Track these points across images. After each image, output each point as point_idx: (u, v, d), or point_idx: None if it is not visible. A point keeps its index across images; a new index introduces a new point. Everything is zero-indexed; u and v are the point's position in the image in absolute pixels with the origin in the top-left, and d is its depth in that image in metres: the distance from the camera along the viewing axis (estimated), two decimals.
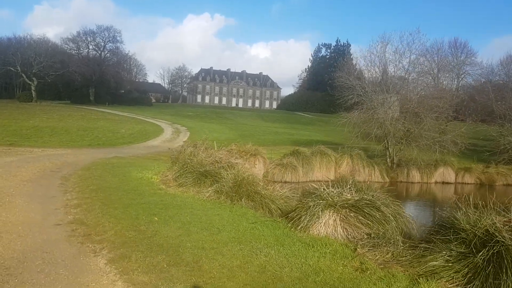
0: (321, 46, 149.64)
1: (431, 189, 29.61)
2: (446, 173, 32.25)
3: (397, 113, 31.32)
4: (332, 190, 8.75)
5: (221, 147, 23.16)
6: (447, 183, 31.76)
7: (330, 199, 8.31)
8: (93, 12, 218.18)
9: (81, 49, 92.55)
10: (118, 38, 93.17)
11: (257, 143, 41.36)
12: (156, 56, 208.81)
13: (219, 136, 45.71)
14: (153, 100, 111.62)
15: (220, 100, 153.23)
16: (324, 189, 8.79)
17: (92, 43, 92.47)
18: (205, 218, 9.00)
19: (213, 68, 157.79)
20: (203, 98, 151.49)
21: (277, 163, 27.04)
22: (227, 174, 12.16)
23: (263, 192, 11.18)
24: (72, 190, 11.66)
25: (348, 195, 8.45)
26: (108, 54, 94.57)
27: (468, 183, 32.26)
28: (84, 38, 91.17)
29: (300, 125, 78.17)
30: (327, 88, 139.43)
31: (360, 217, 7.87)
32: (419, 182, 31.06)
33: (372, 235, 7.49)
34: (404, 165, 31.62)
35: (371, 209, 7.90)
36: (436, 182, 31.50)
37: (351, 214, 7.97)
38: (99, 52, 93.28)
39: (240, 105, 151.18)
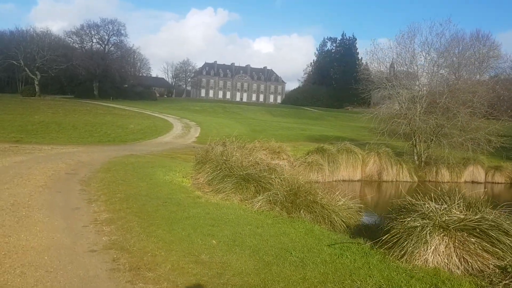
0: (326, 40, 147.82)
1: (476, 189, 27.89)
2: (476, 172, 30.47)
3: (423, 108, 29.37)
4: (436, 205, 6.90)
5: (243, 143, 21.33)
6: (477, 182, 29.99)
7: (438, 219, 6.50)
8: (97, 6, 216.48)
9: (85, 42, 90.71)
10: (122, 31, 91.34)
11: (269, 138, 39.59)
12: (159, 51, 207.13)
13: (231, 132, 43.80)
14: (157, 95, 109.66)
15: (224, 95, 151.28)
16: (426, 205, 6.93)
17: (96, 37, 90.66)
18: (272, 240, 7.20)
19: (217, 63, 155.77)
20: (207, 93, 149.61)
21: (302, 161, 25.22)
22: (280, 180, 10.30)
23: (323, 202, 9.36)
24: (97, 199, 9.85)
25: (458, 213, 6.62)
26: (112, 48, 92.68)
27: (498, 183, 30.53)
28: (88, 32, 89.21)
29: (310, 120, 76.36)
30: (332, 83, 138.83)
31: (485, 244, 6.06)
32: (448, 182, 29.27)
33: (509, 269, 5.68)
34: (433, 163, 29.80)
35: (498, 233, 6.09)
36: (465, 182, 29.72)
37: (471, 239, 6.16)
38: (103, 45, 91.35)
39: (245, 99, 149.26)
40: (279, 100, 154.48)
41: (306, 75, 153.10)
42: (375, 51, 30.49)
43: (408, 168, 28.73)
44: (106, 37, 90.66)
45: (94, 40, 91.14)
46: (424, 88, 29.02)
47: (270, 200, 9.63)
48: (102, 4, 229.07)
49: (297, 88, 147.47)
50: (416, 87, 30.39)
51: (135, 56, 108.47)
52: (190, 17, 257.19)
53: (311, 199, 9.37)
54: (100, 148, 24.35)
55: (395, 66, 31.38)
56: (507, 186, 30.63)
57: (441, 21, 29.79)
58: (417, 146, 30.35)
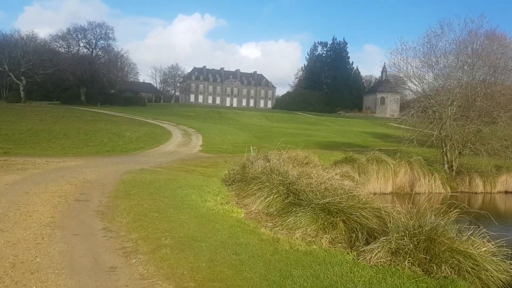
0: (317, 45, 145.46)
1: None
2: (510, 181, 27.98)
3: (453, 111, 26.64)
4: None
5: (258, 151, 18.30)
6: (511, 192, 27.46)
7: None
8: (84, 13, 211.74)
9: (72, 46, 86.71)
10: (110, 35, 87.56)
11: (274, 146, 36.56)
12: (146, 57, 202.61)
13: (234, 139, 40.94)
14: (145, 100, 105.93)
15: (214, 100, 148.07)
16: None
17: (83, 41, 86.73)
18: None
19: (206, 67, 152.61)
20: (196, 98, 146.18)
21: (316, 169, 22.24)
22: (399, 219, 7.22)
23: (469, 251, 6.39)
24: (136, 249, 6.74)
25: None
26: (99, 52, 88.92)
27: None
28: (74, 35, 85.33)
29: (308, 125, 73.61)
30: (324, 87, 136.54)
31: None
32: (482, 192, 26.67)
33: None
34: (465, 172, 27.14)
35: None
36: (498, 192, 27.16)
37: None
38: (91, 49, 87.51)
39: (235, 104, 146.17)
40: (269, 105, 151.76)
41: (297, 79, 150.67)
42: (401, 50, 27.72)
43: (441, 178, 26.06)
44: (94, 41, 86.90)
45: (81, 44, 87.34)
46: (456, 90, 26.25)
47: (391, 249, 6.58)
48: (89, 11, 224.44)
49: (288, 92, 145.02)
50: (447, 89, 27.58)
51: (123, 61, 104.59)
52: (177, 23, 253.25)
53: (449, 246, 6.39)
54: (102, 161, 21.09)
55: (421, 67, 28.59)
56: None
57: (474, 18, 27.25)
58: (448, 153, 27.65)
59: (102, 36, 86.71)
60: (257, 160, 13.69)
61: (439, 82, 27.65)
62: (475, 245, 6.68)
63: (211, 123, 59.70)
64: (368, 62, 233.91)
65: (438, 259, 6.20)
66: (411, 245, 6.44)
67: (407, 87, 29.30)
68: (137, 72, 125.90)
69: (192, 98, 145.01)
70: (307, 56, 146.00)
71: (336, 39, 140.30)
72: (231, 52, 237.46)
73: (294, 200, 9.25)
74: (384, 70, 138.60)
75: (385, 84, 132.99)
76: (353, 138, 50.82)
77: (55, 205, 9.58)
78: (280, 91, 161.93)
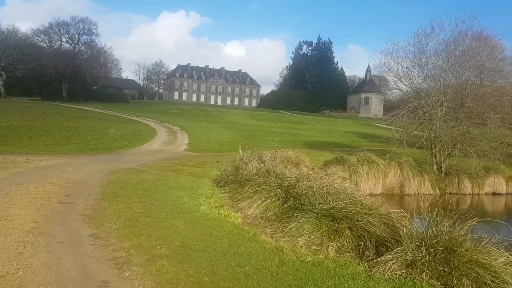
0: (302, 44, 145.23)
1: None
2: (497, 183, 27.97)
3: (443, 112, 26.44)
4: None
5: (251, 151, 17.83)
6: (498, 194, 27.44)
7: None
8: (67, 8, 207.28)
9: (54, 41, 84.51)
10: (93, 30, 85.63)
11: (265, 144, 36.04)
12: (130, 54, 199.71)
13: (220, 138, 40.33)
14: (129, 97, 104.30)
15: (198, 98, 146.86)
16: None
17: (65, 35, 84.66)
18: None
19: (191, 65, 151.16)
20: (180, 95, 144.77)
21: (315, 171, 21.83)
22: (411, 227, 6.73)
23: (488, 263, 5.95)
24: (128, 259, 6.13)
25: None
26: (82, 47, 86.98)
27: None
28: (57, 30, 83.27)
29: (293, 124, 73.30)
30: (308, 86, 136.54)
31: None
32: (470, 194, 26.59)
33: None
34: (454, 173, 27.02)
35: None
36: (486, 193, 27.12)
37: None
38: (73, 45, 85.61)
39: (219, 102, 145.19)
40: (254, 103, 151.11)
41: (282, 78, 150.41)
42: (392, 50, 27.42)
43: (430, 179, 25.90)
44: (76, 36, 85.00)
45: (64, 39, 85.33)
46: (448, 91, 26.05)
47: (406, 261, 6.09)
48: (72, 6, 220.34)
49: (273, 91, 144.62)
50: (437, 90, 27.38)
51: (106, 57, 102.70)
52: (162, 20, 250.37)
53: (469, 258, 5.95)
54: (86, 159, 20.31)
55: (411, 67, 28.32)
56: None
57: (464, 18, 27.10)
58: (437, 154, 27.50)
59: (85, 31, 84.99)
60: (251, 161, 13.13)
61: (429, 83, 27.43)
62: (493, 255, 6.25)
63: (196, 121, 58.95)
64: (351, 62, 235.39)
65: (458, 271, 5.75)
66: (428, 257, 5.98)
67: (397, 87, 29.07)
68: (121, 69, 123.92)
69: (176, 95, 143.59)
70: (292, 55, 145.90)
71: (321, 39, 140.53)
72: (215, 50, 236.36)
73: (294, 204, 8.74)
74: (368, 70, 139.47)
75: (369, 84, 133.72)
76: (338, 138, 50.60)
77: (37, 208, 8.91)
78: (264, 90, 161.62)
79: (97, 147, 27.54)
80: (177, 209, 9.45)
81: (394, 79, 28.23)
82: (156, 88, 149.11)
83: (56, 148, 25.02)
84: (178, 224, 8.15)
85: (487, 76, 27.33)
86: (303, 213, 8.18)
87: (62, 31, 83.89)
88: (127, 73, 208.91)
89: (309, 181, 9.74)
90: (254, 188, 10.39)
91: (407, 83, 27.51)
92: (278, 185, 9.85)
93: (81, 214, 8.78)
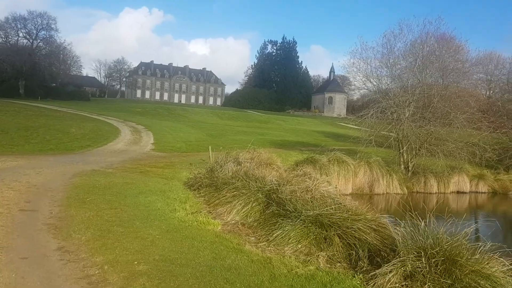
0: (267, 43, 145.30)
1: (479, 201, 25.74)
2: (462, 182, 28.50)
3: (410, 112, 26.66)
4: None
5: (221, 151, 17.32)
6: (462, 192, 27.94)
7: None
8: (24, 2, 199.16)
9: (10, 36, 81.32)
10: (52, 25, 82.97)
11: (232, 144, 35.45)
12: (90, 50, 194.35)
13: (187, 137, 39.43)
14: (89, 95, 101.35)
15: (161, 96, 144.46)
16: None
17: (22, 31, 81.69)
18: None
19: (154, 62, 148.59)
20: (143, 93, 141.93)
21: (294, 174, 21.50)
22: (407, 234, 6.33)
23: (491, 273, 5.64)
24: (101, 278, 5.48)
25: None
26: (40, 43, 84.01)
27: (482, 192, 28.77)
28: (13, 25, 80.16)
29: (259, 123, 72.94)
30: (273, 86, 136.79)
31: None
32: (436, 193, 26.94)
33: None
34: (421, 173, 27.30)
35: None
36: (451, 192, 27.56)
37: None
38: (31, 40, 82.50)
39: (183, 101, 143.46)
40: (219, 102, 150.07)
41: (246, 77, 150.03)
42: (360, 50, 27.42)
43: (398, 178, 26.07)
44: (34, 32, 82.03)
45: (21, 34, 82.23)
46: (416, 91, 26.26)
47: (405, 272, 5.69)
48: (30, 1, 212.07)
49: (238, 90, 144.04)
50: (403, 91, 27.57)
51: (65, 53, 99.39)
52: (124, 16, 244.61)
53: (471, 268, 5.62)
54: (47, 161, 19.19)
55: (380, 67, 28.42)
56: (489, 196, 28.90)
57: (431, 19, 27.39)
58: (404, 154, 27.73)
59: (44, 26, 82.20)
60: (226, 162, 12.56)
61: (396, 83, 27.58)
62: (494, 264, 5.95)
63: (160, 119, 57.71)
64: (314, 62, 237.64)
65: (461, 283, 5.41)
66: (429, 268, 5.62)
67: (366, 88, 29.09)
68: (81, 65, 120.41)
69: (138, 93, 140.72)
70: (257, 54, 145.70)
71: (286, 38, 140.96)
72: (179, 48, 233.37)
73: (278, 210, 8.25)
74: (332, 70, 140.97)
75: (333, 84, 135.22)
76: (305, 137, 50.60)
77: None
78: (229, 89, 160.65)
79: (58, 147, 26.26)
80: (151, 216, 8.80)
81: (363, 79, 28.24)
82: (118, 86, 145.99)
83: (14, 149, 23.66)
84: (155, 234, 7.52)
85: (451, 77, 27.66)
86: (288, 220, 7.70)
87: (19, 26, 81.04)
88: (88, 70, 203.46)
89: (291, 185, 9.29)
90: (233, 192, 9.85)
91: (375, 83, 27.56)
92: (258, 189, 9.35)
93: (45, 223, 8.01)
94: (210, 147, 24.92)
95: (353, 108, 27.75)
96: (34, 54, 79.78)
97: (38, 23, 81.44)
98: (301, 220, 7.47)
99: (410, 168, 27.70)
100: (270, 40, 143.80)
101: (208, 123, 60.11)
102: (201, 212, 9.53)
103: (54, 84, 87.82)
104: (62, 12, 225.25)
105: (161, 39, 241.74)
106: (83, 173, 15.13)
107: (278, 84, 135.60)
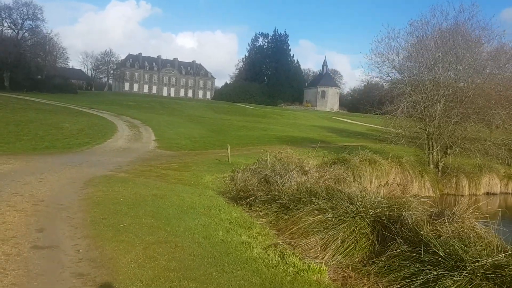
0: (258, 36, 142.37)
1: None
2: (492, 183, 26.44)
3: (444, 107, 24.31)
4: None
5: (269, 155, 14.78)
6: (493, 194, 25.83)
7: None
8: None
9: None
10: (39, 15, 79.16)
11: (238, 140, 33.13)
12: (76, 43, 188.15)
13: (189, 133, 36.71)
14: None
15: (150, 89, 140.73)
16: None
17: (7, 20, 77.81)
18: None
19: (142, 55, 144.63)
20: (131, 86, 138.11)
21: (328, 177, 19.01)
22: None
23: None
24: None
25: None
26: (26, 34, 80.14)
27: None
28: None
29: (256, 117, 70.30)
30: (265, 79, 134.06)
31: None
32: (468, 195, 24.76)
33: None
34: (451, 173, 25.07)
35: None
36: (482, 194, 25.41)
37: None
38: (16, 30, 78.62)
39: (172, 94, 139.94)
40: (208, 95, 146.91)
41: (237, 70, 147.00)
42: (388, 39, 24.94)
43: (430, 180, 23.85)
44: (20, 21, 78.10)
45: (5, 24, 78.34)
46: (451, 84, 23.91)
47: None
48: None
49: (229, 83, 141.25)
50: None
51: (52, 44, 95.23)
52: (110, 9, 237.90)
53: None
54: (45, 162, 16.39)
55: (408, 58, 25.96)
56: None
57: (466, 6, 24.93)
58: (434, 153, 25.41)
59: (30, 16, 78.42)
60: (287, 171, 9.93)
61: (428, 75, 25.15)
62: None
63: (155, 114, 54.76)
64: (302, 56, 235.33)
65: None
66: None
67: (390, 79, 26.58)
68: (67, 57, 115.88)
69: (126, 86, 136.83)
70: (248, 47, 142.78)
71: (277, 31, 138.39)
72: (167, 41, 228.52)
73: (409, 251, 5.71)
74: (324, 64, 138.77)
75: (325, 78, 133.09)
76: (309, 133, 48.26)
77: (2, 267, 5.40)
78: (217, 83, 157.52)
79: (54, 144, 23.43)
80: (222, 256, 6.17)
81: (392, 70, 25.71)
82: (105, 79, 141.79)
83: (5, 147, 20.80)
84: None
85: (487, 70, 25.34)
86: (438, 269, 5.18)
87: (3, 15, 77.43)
88: (74, 62, 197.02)
89: (406, 207, 6.74)
90: (315, 215, 7.30)
91: (407, 75, 25.10)
92: (358, 215, 6.81)
93: (76, 273, 5.36)
94: (228, 146, 22.38)
95: (379, 101, 25.23)
96: (20, 45, 76.00)
97: (24, 13, 77.70)
98: (468, 273, 4.93)
99: (439, 168, 25.41)
100: (262, 33, 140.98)
101: (205, 117, 57.36)
102: (279, 245, 6.96)
103: (40, 77, 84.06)
104: (48, 5, 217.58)
105: (148, 32, 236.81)
106: (94, 180, 12.43)
107: (270, 78, 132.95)
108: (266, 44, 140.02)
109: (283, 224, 7.86)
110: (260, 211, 8.93)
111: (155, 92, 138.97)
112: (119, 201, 9.45)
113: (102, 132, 31.04)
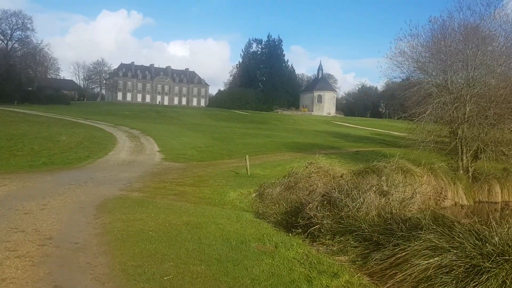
0: (252, 42, 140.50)
1: None
2: None
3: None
4: None
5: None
6: None
7: None
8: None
9: None
10: (28, 25, 76.93)
11: (245, 149, 30.95)
12: (67, 54, 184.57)
13: (193, 142, 34.58)
14: None
15: (143, 98, 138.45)
16: None
17: None
18: None
19: (135, 63, 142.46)
20: (124, 96, 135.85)
21: None
22: None
23: None
24: None
25: None
26: (16, 44, 77.83)
27: None
28: None
29: (256, 124, 68.44)
30: (260, 85, 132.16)
31: None
32: (501, 202, 22.91)
33: None
34: (482, 179, 23.17)
35: None
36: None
37: None
38: (5, 41, 76.27)
39: (166, 102, 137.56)
40: (203, 103, 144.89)
41: (231, 77, 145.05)
42: (410, 37, 23.15)
43: (463, 187, 21.96)
44: (9, 32, 75.86)
45: None
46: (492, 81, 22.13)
47: None
48: (6, 5, 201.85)
49: (223, 90, 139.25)
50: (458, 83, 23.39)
51: (42, 55, 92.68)
52: (101, 19, 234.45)
53: None
54: (44, 181, 14.29)
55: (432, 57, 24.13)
56: None
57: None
58: (463, 158, 23.53)
59: (19, 26, 76.21)
60: (361, 191, 7.94)
61: (456, 74, 23.32)
62: None
63: (153, 123, 52.64)
64: (295, 62, 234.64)
65: None
66: None
67: (414, 78, 24.73)
68: (58, 68, 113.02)
69: (119, 96, 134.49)
70: (242, 53, 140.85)
71: (271, 36, 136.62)
72: (159, 50, 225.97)
73: None
74: (320, 68, 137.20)
75: (322, 82, 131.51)
76: (315, 139, 46.34)
77: None
78: (211, 90, 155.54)
79: (52, 160, 21.26)
80: None
81: (416, 70, 23.87)
82: (98, 89, 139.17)
83: None
84: None
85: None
86: None
87: None
88: (65, 73, 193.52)
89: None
90: (427, 255, 5.31)
91: (433, 74, 23.26)
92: (501, 257, 4.84)
93: None
94: (247, 156, 20.35)
95: (402, 106, 23.42)
96: (9, 55, 73.69)
97: (13, 23, 75.44)
98: None
99: (469, 174, 23.52)
100: (255, 38, 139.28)
101: (205, 125, 55.38)
102: None
103: (31, 88, 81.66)
104: (37, 16, 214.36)
105: (140, 41, 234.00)
106: (107, 203, 10.37)
107: (265, 83, 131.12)
108: (260, 49, 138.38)
109: (377, 268, 5.86)
110: (332, 245, 6.93)
111: (149, 101, 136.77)
112: (148, 236, 7.39)
113: (102, 144, 28.88)
